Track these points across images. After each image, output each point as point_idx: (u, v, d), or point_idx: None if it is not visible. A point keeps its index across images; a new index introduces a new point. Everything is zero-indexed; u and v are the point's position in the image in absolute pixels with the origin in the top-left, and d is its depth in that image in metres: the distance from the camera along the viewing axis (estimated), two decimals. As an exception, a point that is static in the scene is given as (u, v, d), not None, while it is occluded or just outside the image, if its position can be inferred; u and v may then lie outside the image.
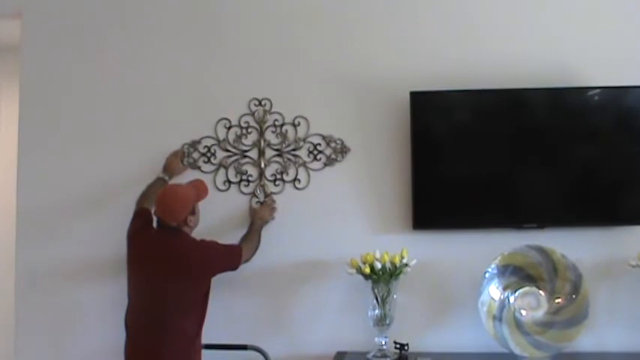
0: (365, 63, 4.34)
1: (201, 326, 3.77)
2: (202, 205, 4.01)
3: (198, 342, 3.77)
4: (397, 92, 4.24)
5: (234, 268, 3.91)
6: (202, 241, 3.86)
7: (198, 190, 3.90)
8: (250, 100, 4.38)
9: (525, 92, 4.22)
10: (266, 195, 4.31)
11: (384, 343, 4.05)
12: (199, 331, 3.75)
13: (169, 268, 3.70)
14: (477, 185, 4.20)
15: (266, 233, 4.25)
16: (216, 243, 3.87)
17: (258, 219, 4.06)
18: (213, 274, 3.84)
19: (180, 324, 3.68)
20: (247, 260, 3.94)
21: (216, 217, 4.22)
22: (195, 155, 4.36)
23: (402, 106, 4.24)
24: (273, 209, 4.14)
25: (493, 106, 4.21)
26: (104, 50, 4.44)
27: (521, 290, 3.91)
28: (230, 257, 3.91)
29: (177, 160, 4.11)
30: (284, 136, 4.34)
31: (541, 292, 3.90)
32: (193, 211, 3.84)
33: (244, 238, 4.00)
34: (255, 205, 4.17)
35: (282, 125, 4.35)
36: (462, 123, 4.23)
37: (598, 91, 4.21)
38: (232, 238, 4.16)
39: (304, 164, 4.34)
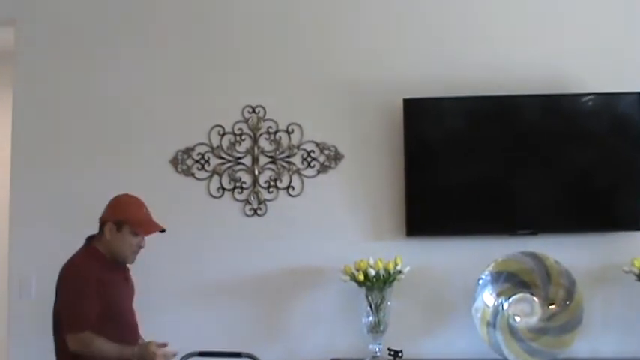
0: (358, 70, 4.36)
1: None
2: (194, 212, 4.15)
3: None
4: (390, 99, 4.27)
5: (70, 330, 3.37)
6: (77, 279, 3.44)
7: (148, 223, 3.53)
8: (244, 108, 4.39)
9: (519, 98, 4.24)
10: (259, 202, 4.32)
11: (378, 349, 4.06)
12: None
13: None
14: (470, 192, 4.23)
15: (259, 240, 4.27)
16: (81, 293, 3.39)
17: (140, 351, 3.37)
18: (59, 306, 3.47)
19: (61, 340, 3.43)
20: (77, 351, 3.36)
21: (209, 224, 4.26)
22: (189, 162, 4.36)
23: (396, 113, 4.27)
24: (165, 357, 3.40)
25: (487, 113, 4.25)
26: (98, 58, 4.44)
27: (515, 296, 3.95)
28: (73, 314, 3.38)
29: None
30: (278, 143, 4.35)
31: (535, 298, 3.95)
32: (120, 228, 3.48)
33: (106, 340, 3.36)
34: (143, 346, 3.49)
35: (275, 132, 4.37)
36: (456, 130, 4.26)
37: (592, 97, 4.25)
38: (226, 247, 4.23)
39: (298, 171, 4.36)
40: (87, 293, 3.36)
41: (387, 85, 4.31)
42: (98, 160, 4.38)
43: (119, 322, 3.46)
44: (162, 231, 3.56)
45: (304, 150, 4.37)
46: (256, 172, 4.33)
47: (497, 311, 3.97)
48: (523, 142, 4.23)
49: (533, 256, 4.05)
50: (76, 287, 3.39)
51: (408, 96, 4.23)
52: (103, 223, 3.51)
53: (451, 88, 4.26)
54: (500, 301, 3.97)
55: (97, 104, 4.42)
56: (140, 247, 3.52)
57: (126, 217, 3.48)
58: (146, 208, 3.55)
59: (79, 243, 3.82)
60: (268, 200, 4.36)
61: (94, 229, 3.71)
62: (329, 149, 4.36)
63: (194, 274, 4.25)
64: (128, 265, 3.60)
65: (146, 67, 4.43)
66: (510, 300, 3.96)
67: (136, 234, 3.48)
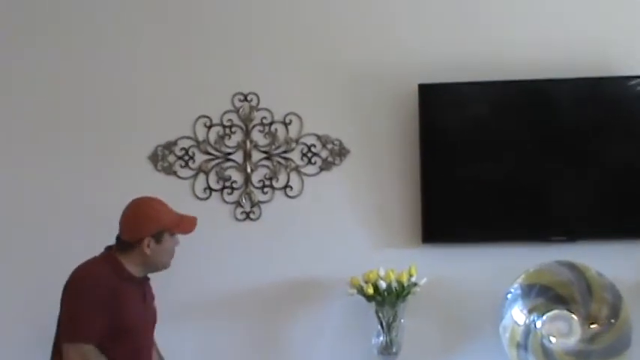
0: (367, 52, 4.25)
1: None
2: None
3: None
4: (404, 85, 4.16)
5: (69, 338, 3.30)
6: (85, 287, 3.37)
7: (183, 220, 3.58)
8: (234, 95, 4.27)
9: (554, 83, 4.11)
10: (252, 204, 4.21)
11: (389, 374, 4.01)
12: None
13: None
14: (496, 192, 4.14)
15: (253, 248, 4.20)
16: (89, 299, 3.34)
17: None
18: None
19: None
20: None
21: (196, 231, 3.84)
22: (171, 159, 4.25)
23: (410, 101, 4.15)
24: None
25: (515, 100, 4.15)
26: (62, 39, 4.33)
27: (549, 314, 3.83)
28: (75, 321, 3.32)
29: None
30: (273, 136, 4.24)
31: (573, 315, 3.82)
32: (160, 239, 3.47)
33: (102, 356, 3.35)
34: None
35: (271, 124, 4.25)
36: (479, 120, 4.15)
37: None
38: (213, 257, 4.16)
39: (297, 169, 4.24)
40: (95, 301, 3.33)
41: (399, 68, 4.20)
42: (62, 158, 4.28)
43: (127, 345, 3.40)
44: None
45: (304, 144, 4.25)
46: (249, 170, 4.24)
47: (528, 331, 3.84)
48: (558, 134, 4.11)
49: (571, 266, 3.91)
50: (83, 293, 3.36)
51: (423, 81, 4.12)
52: (135, 241, 3.45)
53: (473, 72, 4.14)
54: (532, 318, 3.85)
55: (60, 92, 4.33)
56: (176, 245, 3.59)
57: (162, 225, 3.48)
58: (167, 205, 3.59)
59: (40, 243, 4.06)
60: (263, 202, 4.25)
61: (58, 231, 3.91)
62: (332, 143, 4.24)
63: (175, 289, 4.05)
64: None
65: (119, 49, 4.33)
66: (544, 318, 3.82)
67: (174, 238, 3.53)
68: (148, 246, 3.43)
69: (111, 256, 3.47)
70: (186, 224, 3.57)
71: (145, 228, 3.46)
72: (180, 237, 3.69)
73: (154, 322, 3.60)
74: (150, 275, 3.63)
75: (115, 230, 3.56)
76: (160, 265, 3.53)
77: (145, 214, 3.51)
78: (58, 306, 3.43)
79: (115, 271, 3.43)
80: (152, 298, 3.60)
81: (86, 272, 3.43)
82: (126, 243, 3.46)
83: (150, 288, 3.59)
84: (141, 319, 3.51)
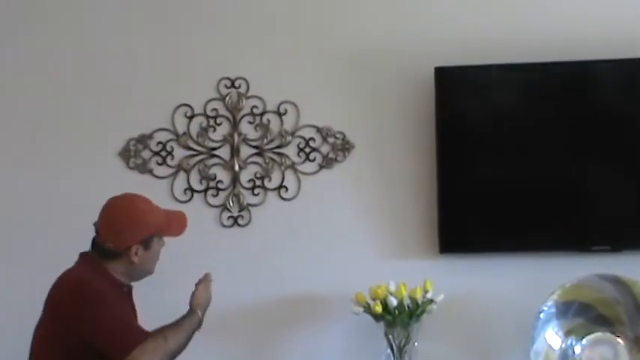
0: (374, 30, 4.09)
1: None
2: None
3: None
4: (417, 69, 3.99)
5: (118, 355, 3.17)
6: (101, 296, 3.24)
7: (172, 219, 3.45)
8: (220, 81, 4.12)
9: (593, 66, 3.91)
10: (241, 208, 4.06)
11: (401, 405, 3.94)
12: None
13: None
14: (526, 193, 3.93)
15: (241, 259, 4.04)
16: (120, 313, 3.26)
17: (195, 305, 3.50)
18: (85, 342, 3.25)
19: None
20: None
21: (174, 238, 3.66)
22: (145, 155, 4.10)
23: (424, 88, 3.97)
24: (208, 286, 3.63)
25: (548, 86, 3.95)
26: (29, 24, 4.18)
27: (590, 337, 3.62)
28: (122, 334, 3.18)
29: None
30: (265, 128, 4.08)
31: (619, 339, 3.61)
32: (149, 245, 3.34)
33: (167, 327, 3.35)
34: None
35: (262, 114, 4.09)
36: (505, 109, 3.96)
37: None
38: (196, 268, 3.74)
39: (293, 166, 4.08)
40: (117, 303, 3.26)
41: (412, 49, 4.03)
42: (26, 153, 4.14)
43: None
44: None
45: (301, 137, 4.09)
46: (237, 168, 4.09)
47: (565, 357, 3.63)
48: (600, 126, 3.92)
49: (616, 280, 3.70)
50: (98, 304, 3.22)
51: (440, 64, 3.93)
52: (121, 250, 3.31)
53: (499, 52, 3.96)
54: (570, 342, 3.64)
55: (23, 81, 4.19)
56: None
57: (151, 230, 3.35)
58: (151, 202, 3.45)
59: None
60: (253, 205, 4.09)
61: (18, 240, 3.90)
62: (334, 136, 4.08)
63: (150, 307, 3.61)
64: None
65: (87, 30, 4.18)
66: (584, 342, 3.60)
67: (162, 240, 3.41)
68: (136, 254, 3.30)
69: (94, 262, 3.32)
70: (175, 224, 3.45)
71: (133, 235, 3.33)
72: (161, 249, 3.55)
73: None
74: None
75: (81, 236, 3.40)
76: (145, 273, 3.41)
77: (131, 218, 3.35)
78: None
79: (103, 278, 3.31)
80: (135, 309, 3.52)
81: (76, 279, 3.29)
82: (109, 251, 3.31)
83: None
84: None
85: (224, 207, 4.07)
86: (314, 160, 4.06)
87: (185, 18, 4.15)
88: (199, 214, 4.02)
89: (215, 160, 4.09)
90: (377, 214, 4.03)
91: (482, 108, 3.98)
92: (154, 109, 4.10)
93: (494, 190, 3.95)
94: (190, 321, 3.36)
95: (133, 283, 3.47)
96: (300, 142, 4.06)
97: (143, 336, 3.23)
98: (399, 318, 3.71)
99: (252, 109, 4.08)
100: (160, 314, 3.66)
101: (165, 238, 3.62)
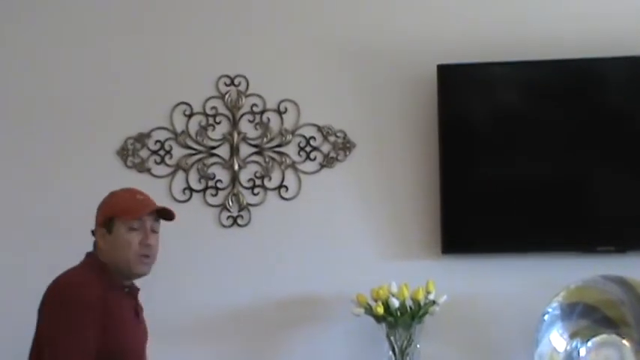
0: (376, 27, 4.08)
1: None
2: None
3: None
4: (419, 66, 3.98)
5: None
6: (79, 309, 3.13)
7: (137, 204, 3.30)
8: (219, 79, 4.10)
9: (598, 63, 3.90)
10: (241, 208, 4.05)
11: (404, 408, 3.95)
12: None
13: None
14: (530, 193, 3.91)
15: (241, 259, 4.02)
16: (78, 321, 3.13)
17: None
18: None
19: None
20: None
21: (172, 238, 3.59)
22: (144, 154, 4.08)
23: (427, 85, 3.96)
24: None
25: (551, 84, 3.94)
26: (28, 23, 4.16)
27: (596, 339, 3.57)
28: (65, 348, 3.06)
29: None
30: (265, 127, 4.07)
31: (625, 341, 3.56)
32: (111, 228, 3.23)
33: None
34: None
35: (262, 112, 4.08)
36: (509, 108, 3.95)
37: None
38: (195, 270, 3.95)
39: (293, 165, 4.07)
40: (86, 323, 3.13)
41: (414, 47, 4.02)
42: (16, 151, 4.12)
43: None
44: (167, 216, 3.30)
45: (301, 136, 4.08)
46: (236, 167, 4.08)
47: (570, 359, 3.59)
48: (605, 124, 3.90)
49: (621, 282, 3.67)
50: (71, 313, 3.15)
51: (443, 61, 3.92)
52: (93, 233, 3.32)
53: (503, 49, 3.95)
54: (574, 344, 3.59)
55: (17, 78, 4.17)
56: (147, 245, 3.24)
57: (113, 211, 3.26)
58: (140, 193, 3.36)
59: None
60: (253, 205, 4.07)
61: (17, 232, 3.93)
62: (335, 135, 4.06)
63: (148, 309, 3.54)
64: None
65: (84, 25, 4.15)
66: (590, 344, 3.55)
67: (130, 228, 3.23)
68: (102, 237, 3.23)
69: (94, 260, 3.27)
70: (134, 208, 3.30)
71: (98, 216, 3.29)
72: (160, 250, 3.42)
73: (146, 340, 3.41)
74: None
75: (79, 235, 3.37)
76: (124, 265, 3.25)
77: (103, 201, 3.33)
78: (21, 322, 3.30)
79: (101, 279, 3.22)
80: (142, 310, 3.42)
81: (66, 280, 3.22)
82: (94, 244, 3.29)
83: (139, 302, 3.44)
84: (134, 339, 3.35)
85: (223, 207, 4.06)
86: (315, 159, 4.06)
87: (183, 15, 4.13)
88: (198, 213, 4.03)
89: (214, 159, 4.08)
90: (378, 213, 4.02)
91: (486, 106, 3.97)
92: (153, 107, 4.09)
93: (498, 190, 3.94)
94: None
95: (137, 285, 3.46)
96: (300, 141, 4.06)
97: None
98: (400, 319, 3.70)
99: (251, 108, 4.07)
100: (160, 314, 3.69)
101: (165, 238, 3.50)
